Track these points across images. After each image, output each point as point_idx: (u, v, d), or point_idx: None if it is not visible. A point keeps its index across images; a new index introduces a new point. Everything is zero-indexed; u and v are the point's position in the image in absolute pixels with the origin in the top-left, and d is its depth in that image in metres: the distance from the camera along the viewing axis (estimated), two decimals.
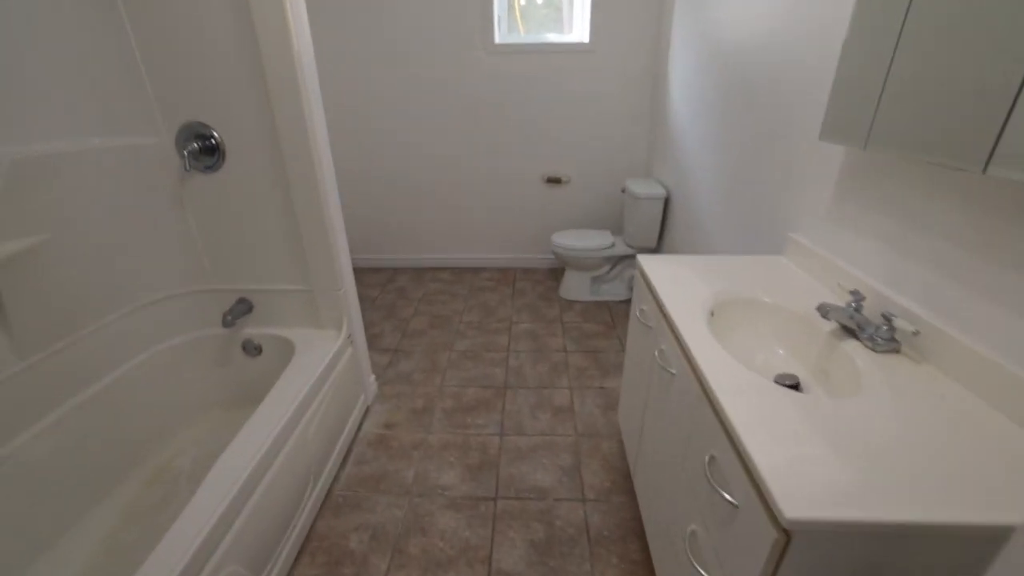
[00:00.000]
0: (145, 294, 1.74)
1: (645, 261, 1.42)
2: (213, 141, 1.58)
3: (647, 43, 2.92)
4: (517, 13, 3.18)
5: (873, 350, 0.96)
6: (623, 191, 2.98)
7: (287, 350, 1.80)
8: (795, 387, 1.04)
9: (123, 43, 1.48)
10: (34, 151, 1.35)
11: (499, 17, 2.99)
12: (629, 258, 3.00)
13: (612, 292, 3.08)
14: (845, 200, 1.21)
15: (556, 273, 3.45)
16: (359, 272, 3.54)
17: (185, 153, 1.55)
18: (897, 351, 0.96)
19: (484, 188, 3.35)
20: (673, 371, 1.10)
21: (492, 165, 3.27)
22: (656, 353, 1.21)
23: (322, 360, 1.70)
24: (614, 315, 2.90)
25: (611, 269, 3.03)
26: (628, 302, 3.04)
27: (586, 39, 2.94)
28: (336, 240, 1.73)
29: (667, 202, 2.71)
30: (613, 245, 2.91)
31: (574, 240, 2.91)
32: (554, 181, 3.28)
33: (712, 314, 1.17)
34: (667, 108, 2.72)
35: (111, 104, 1.52)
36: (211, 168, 1.62)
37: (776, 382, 1.06)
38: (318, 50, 3.00)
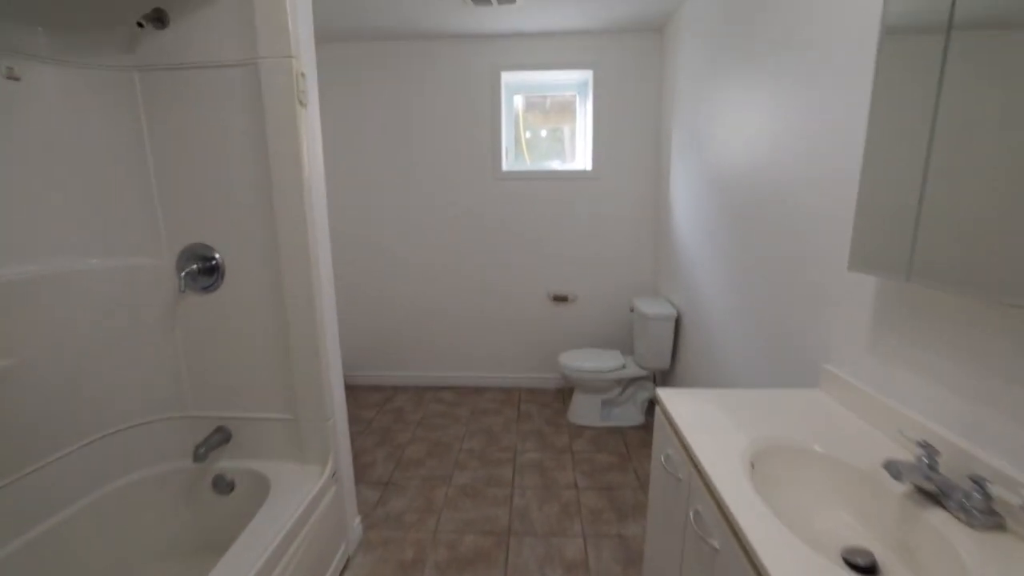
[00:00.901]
0: (115, 422, 1.58)
1: (667, 397, 1.27)
2: (214, 262, 1.54)
3: (648, 169, 3.06)
4: (523, 144, 3.41)
5: (969, 525, 0.77)
6: (632, 310, 2.91)
7: (262, 489, 1.59)
8: (871, 570, 0.83)
9: (142, 171, 1.52)
10: (8, 274, 1.30)
11: (507, 148, 3.20)
12: (642, 380, 2.83)
13: (625, 417, 2.85)
14: (887, 331, 1.09)
15: (563, 394, 3.26)
16: (356, 390, 3.36)
17: (182, 275, 1.50)
18: (1002, 527, 0.77)
19: (490, 306, 3.30)
20: (715, 544, 0.90)
21: (498, 283, 3.26)
22: (690, 515, 1.01)
23: (300, 503, 1.47)
24: (628, 443, 2.65)
25: (623, 391, 2.85)
26: (643, 428, 2.80)
27: (589, 167, 3.09)
28: (329, 367, 1.61)
29: (678, 321, 2.62)
30: (624, 366, 2.76)
31: (583, 361, 2.77)
32: (561, 299, 3.24)
33: (752, 466, 0.99)
34: (671, 229, 2.76)
35: (117, 226, 1.52)
36: (208, 288, 1.56)
37: (845, 558, 0.86)
38: (333, 168, 3.22)
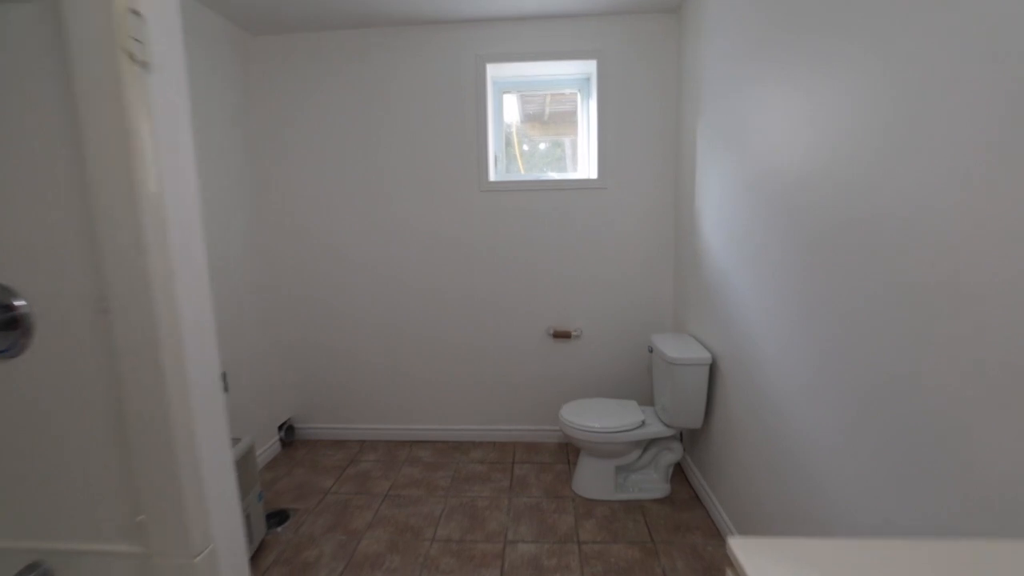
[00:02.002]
0: None
1: (743, 553, 0.69)
2: (14, 312, 0.99)
3: (665, 177, 2.52)
4: (517, 153, 2.90)
5: None
6: (650, 350, 2.34)
7: None
8: None
9: None
10: None
11: (496, 155, 2.68)
12: (666, 439, 2.24)
13: (645, 487, 2.25)
14: None
15: (568, 451, 2.67)
16: (316, 447, 2.78)
17: None
18: None
19: (477, 345, 2.74)
20: None
21: (487, 317, 2.70)
22: None
23: None
24: (651, 525, 2.04)
25: (642, 455, 2.26)
26: (668, 502, 2.20)
27: (594, 175, 2.56)
28: (203, 472, 1.04)
29: (713, 368, 2.04)
30: (643, 423, 2.17)
31: (591, 417, 2.19)
32: (562, 336, 2.67)
33: None
34: (699, 250, 2.20)
35: None
36: (6, 353, 1.01)
37: None
38: (286, 182, 2.73)
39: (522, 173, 2.83)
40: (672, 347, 2.13)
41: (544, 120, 3.07)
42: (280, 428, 2.78)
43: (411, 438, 2.85)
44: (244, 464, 1.85)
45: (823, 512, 1.28)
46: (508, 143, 2.83)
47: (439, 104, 2.54)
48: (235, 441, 1.86)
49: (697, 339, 2.22)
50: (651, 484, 2.26)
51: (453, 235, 2.64)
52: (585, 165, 2.69)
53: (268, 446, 2.65)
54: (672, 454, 2.25)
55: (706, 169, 2.10)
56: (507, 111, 2.77)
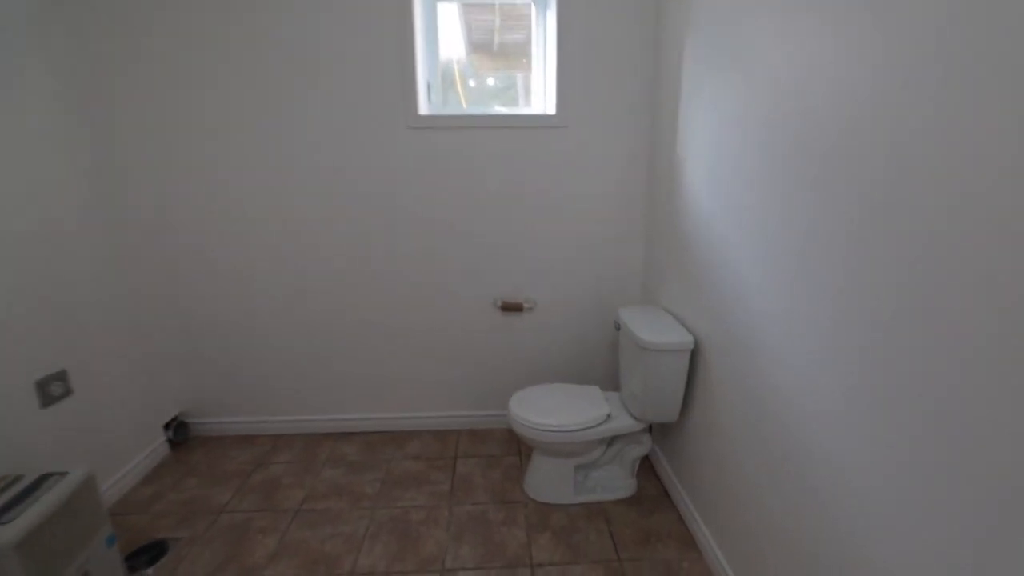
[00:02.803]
0: None
1: None
2: None
3: (639, 110, 2.05)
4: (459, 90, 2.32)
5: None
6: (617, 328, 1.96)
7: None
8: None
9: None
10: None
11: (429, 83, 2.10)
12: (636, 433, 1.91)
13: (608, 485, 1.94)
14: None
15: (518, 439, 2.31)
16: (220, 445, 2.28)
17: None
18: None
19: (412, 318, 2.26)
20: None
21: (423, 285, 2.22)
22: None
23: None
24: (616, 535, 1.74)
25: (607, 449, 1.92)
26: (635, 502, 1.90)
27: (551, 110, 2.05)
28: None
29: (695, 353, 1.68)
30: (609, 417, 1.82)
31: (546, 412, 1.80)
32: (513, 308, 2.23)
33: None
34: (680, 210, 1.78)
35: None
36: None
37: None
38: (156, 121, 1.88)
39: (464, 107, 2.27)
40: (645, 327, 1.74)
41: (493, 51, 2.49)
42: (167, 426, 2.25)
43: (337, 430, 2.40)
44: (77, 505, 1.35)
45: (838, 528, 0.96)
46: (448, 77, 2.25)
47: (348, 16, 1.91)
48: (55, 478, 1.34)
49: (673, 315, 1.85)
50: (615, 482, 1.94)
51: (376, 184, 2.08)
52: (541, 99, 2.17)
53: (148, 452, 2.13)
54: (640, 447, 1.92)
55: (695, 101, 1.64)
56: (451, 40, 2.17)
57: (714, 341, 1.56)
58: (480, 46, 2.39)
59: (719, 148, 1.48)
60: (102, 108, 1.91)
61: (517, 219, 2.15)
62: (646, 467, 2.11)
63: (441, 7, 2.09)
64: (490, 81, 2.58)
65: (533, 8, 2.10)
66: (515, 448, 2.27)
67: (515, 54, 2.37)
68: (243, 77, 1.94)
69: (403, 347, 2.30)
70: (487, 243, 2.17)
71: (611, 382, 2.31)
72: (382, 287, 2.21)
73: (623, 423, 1.82)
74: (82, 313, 1.81)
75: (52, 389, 1.64)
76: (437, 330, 2.28)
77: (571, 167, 2.09)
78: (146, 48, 1.90)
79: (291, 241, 2.14)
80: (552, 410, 1.82)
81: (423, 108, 2.02)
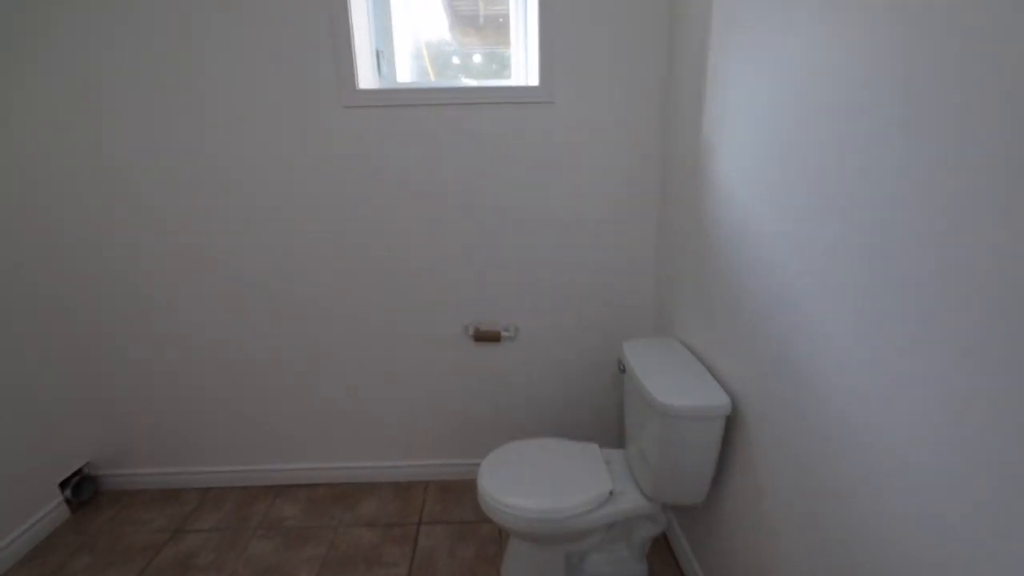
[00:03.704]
0: None
1: None
2: None
3: (647, 82, 1.56)
4: (426, 58, 1.83)
5: None
6: (622, 370, 1.48)
7: None
8: None
9: None
10: None
11: (378, 51, 1.62)
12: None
13: (613, 573, 1.48)
14: None
15: None
16: (134, 503, 1.86)
17: None
18: None
19: (366, 353, 1.81)
20: None
21: (375, 310, 1.76)
22: None
23: None
24: None
25: (608, 530, 1.46)
26: None
27: (535, 81, 1.56)
28: None
29: (731, 420, 1.21)
30: (611, 496, 1.35)
31: (528, 488, 1.34)
32: (488, 338, 1.77)
33: None
34: (709, 215, 1.30)
35: None
36: None
37: None
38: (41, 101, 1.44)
39: (432, 79, 1.79)
40: (660, 377, 1.27)
41: (480, 24, 1.99)
42: (66, 484, 1.83)
43: (278, 481, 1.97)
44: None
45: None
46: (417, 51, 1.77)
47: None
48: None
49: (696, 354, 1.37)
50: (620, 567, 1.49)
51: (308, 182, 1.62)
52: (522, 69, 1.68)
53: (38, 519, 1.71)
54: (653, 526, 1.46)
55: (734, 57, 1.15)
56: (432, 14, 1.69)
57: (757, 401, 1.08)
58: (466, 19, 1.90)
59: (774, 128, 0.99)
60: None
61: (492, 225, 1.67)
62: (661, 544, 1.65)
63: None
64: (476, 58, 2.09)
65: None
66: None
67: (505, 28, 1.89)
68: (150, 72, 1.47)
69: (358, 385, 1.85)
70: (455, 257, 1.70)
71: (612, 436, 1.85)
72: (329, 313, 1.75)
73: (630, 503, 1.35)
74: None
75: None
76: (393, 364, 1.82)
77: (559, 154, 1.61)
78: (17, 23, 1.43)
79: (219, 256, 1.68)
80: (535, 483, 1.36)
81: (362, 81, 1.53)
